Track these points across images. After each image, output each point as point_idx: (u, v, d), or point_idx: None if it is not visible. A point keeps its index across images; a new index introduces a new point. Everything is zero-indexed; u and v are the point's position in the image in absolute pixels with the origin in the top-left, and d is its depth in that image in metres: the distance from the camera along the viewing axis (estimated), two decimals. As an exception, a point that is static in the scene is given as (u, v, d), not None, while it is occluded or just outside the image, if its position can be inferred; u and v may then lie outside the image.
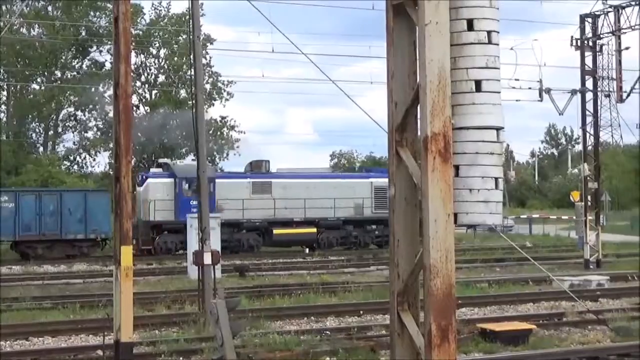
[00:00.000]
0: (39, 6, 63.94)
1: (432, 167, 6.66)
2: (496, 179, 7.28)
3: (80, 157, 66.59)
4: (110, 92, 42.86)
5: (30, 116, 64.01)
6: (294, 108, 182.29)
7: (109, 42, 51.38)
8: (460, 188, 7.20)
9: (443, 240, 6.70)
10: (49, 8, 64.41)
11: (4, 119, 64.64)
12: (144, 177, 45.61)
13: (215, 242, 26.82)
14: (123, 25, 13.44)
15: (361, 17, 70.81)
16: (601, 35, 37.60)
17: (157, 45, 66.53)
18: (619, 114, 42.83)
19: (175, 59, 64.86)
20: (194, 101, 20.58)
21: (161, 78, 67.39)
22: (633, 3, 36.07)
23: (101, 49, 64.85)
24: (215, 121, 65.25)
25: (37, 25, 63.53)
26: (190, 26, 21.10)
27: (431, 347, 6.66)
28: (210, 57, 65.26)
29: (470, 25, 7.23)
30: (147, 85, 66.87)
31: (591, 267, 35.86)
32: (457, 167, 7.19)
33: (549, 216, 75.19)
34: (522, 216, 77.31)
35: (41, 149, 66.29)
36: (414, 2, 6.99)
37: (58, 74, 65.11)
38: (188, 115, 31.80)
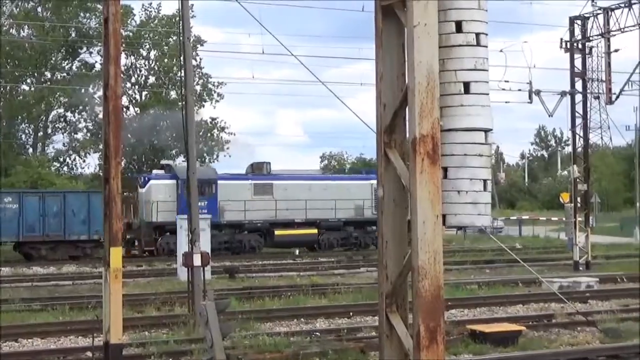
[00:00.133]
0: (29, 7, 63.76)
1: (420, 168, 6.67)
2: (484, 180, 7.30)
3: (70, 159, 66.44)
4: (100, 93, 42.85)
5: (19, 117, 63.80)
6: (284, 109, 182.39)
7: (99, 44, 51.29)
8: (449, 190, 7.22)
9: (431, 242, 6.71)
10: (39, 9, 64.26)
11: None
12: (146, 178, 45.83)
13: (205, 243, 26.76)
14: (113, 27, 13.42)
15: (351, 18, 70.96)
16: (590, 38, 37.70)
17: (148, 46, 66.46)
18: (609, 116, 43.01)
19: (166, 60, 64.78)
20: (184, 102, 20.55)
21: (151, 79, 67.32)
22: (622, 5, 36.17)
23: (91, 50, 64.80)
24: (206, 122, 65.21)
25: (26, 26, 63.37)
26: (180, 27, 21.05)
27: (420, 349, 6.67)
28: (201, 59, 65.33)
29: (458, 27, 7.25)
30: (137, 87, 66.80)
31: (580, 268, 35.94)
32: (445, 169, 7.20)
33: (539, 218, 75.36)
34: (512, 218, 77.50)
35: (31, 150, 66.09)
36: (403, 3, 7.01)
37: (48, 75, 64.94)
38: (178, 117, 31.80)
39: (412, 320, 6.98)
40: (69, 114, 66.27)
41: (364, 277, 31.86)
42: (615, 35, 37.48)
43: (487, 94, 7.38)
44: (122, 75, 48.08)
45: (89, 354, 16.23)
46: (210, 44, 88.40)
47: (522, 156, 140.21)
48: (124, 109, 62.57)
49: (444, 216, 7.10)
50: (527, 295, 25.54)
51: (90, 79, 62.20)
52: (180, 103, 20.68)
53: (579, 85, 37.92)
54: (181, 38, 20.98)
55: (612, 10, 36.71)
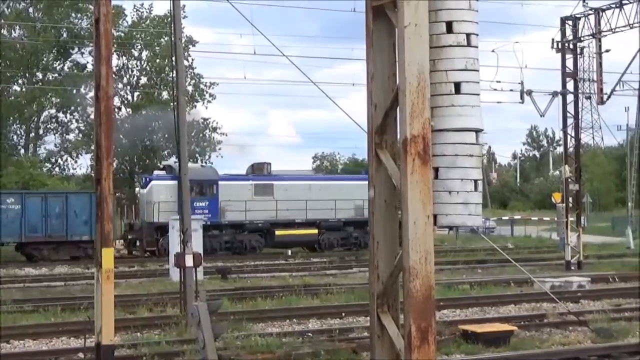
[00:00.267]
0: (20, 8, 63.63)
1: (411, 169, 6.68)
2: (475, 180, 7.31)
3: (61, 159, 66.34)
4: (92, 94, 42.92)
5: (11, 118, 63.66)
6: (277, 110, 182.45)
7: (91, 44, 51.23)
8: (440, 190, 7.23)
9: (422, 242, 6.71)
10: (30, 9, 64.13)
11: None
12: (147, 179, 46.00)
13: (197, 244, 26.76)
14: (104, 27, 13.40)
15: (343, 19, 71.07)
16: (582, 38, 37.77)
17: (139, 47, 66.38)
18: (600, 116, 43.17)
19: (158, 60, 64.72)
20: (175, 103, 20.54)
21: (143, 80, 67.26)
22: (613, 6, 36.25)
23: (83, 50, 64.67)
24: (198, 123, 65.16)
25: (18, 27, 63.23)
26: (172, 28, 21.04)
27: (411, 349, 6.67)
28: (193, 59, 65.26)
29: (449, 28, 7.26)
30: (129, 87, 66.71)
31: (572, 268, 35.99)
32: (436, 169, 7.21)
33: (531, 217, 75.46)
34: (504, 218, 77.57)
35: (22, 151, 65.94)
36: (394, 4, 7.01)
37: (39, 75, 64.80)
38: (170, 117, 31.83)
39: (403, 320, 6.98)
40: (60, 114, 66.20)
41: (357, 278, 31.86)
42: (606, 35, 37.58)
43: (478, 94, 7.39)
44: (113, 75, 48.05)
45: (81, 355, 16.21)
46: (202, 44, 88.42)
47: (514, 156, 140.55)
48: (116, 110, 62.50)
49: (435, 216, 7.11)
50: (519, 295, 25.58)
51: (82, 80, 62.09)
52: (172, 104, 20.71)
53: (570, 86, 37.99)
54: (173, 38, 20.99)
55: (603, 10, 36.79)
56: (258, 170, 48.44)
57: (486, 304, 23.99)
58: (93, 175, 15.13)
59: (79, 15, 63.91)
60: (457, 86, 7.24)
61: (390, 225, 7.41)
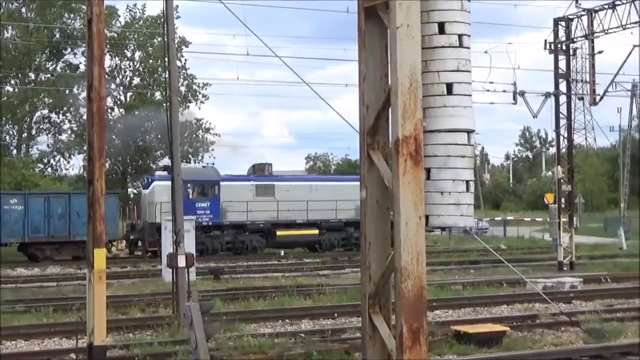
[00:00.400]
0: (13, 8, 63.49)
1: (403, 169, 6.68)
2: (467, 181, 7.32)
3: (54, 160, 66.24)
4: (85, 94, 42.94)
5: (3, 118, 63.54)
6: (269, 110, 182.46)
7: (84, 44, 51.17)
8: (432, 191, 7.23)
9: (414, 243, 6.72)
10: (23, 10, 63.99)
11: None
12: (149, 179, 46.17)
13: (189, 244, 26.76)
14: (96, 27, 13.38)
15: (336, 19, 71.05)
16: (574, 39, 37.84)
17: (132, 47, 66.31)
18: (593, 117, 43.32)
19: (150, 61, 64.68)
20: (168, 104, 20.53)
21: (136, 80, 67.20)
22: (606, 7, 36.32)
23: (76, 51, 64.59)
24: (191, 123, 65.12)
25: (10, 27, 63.09)
26: (165, 28, 21.03)
27: (402, 349, 6.67)
28: (186, 60, 65.19)
29: (441, 29, 7.26)
30: (122, 88, 66.64)
31: (564, 269, 36.06)
32: (428, 170, 7.21)
33: (524, 218, 75.59)
34: (496, 218, 77.71)
35: (15, 151, 65.80)
36: (386, 5, 7.01)
37: (32, 76, 64.68)
38: (163, 118, 31.88)
39: (395, 321, 6.98)
40: (53, 115, 66.10)
41: (349, 278, 31.87)
42: (599, 36, 37.66)
43: (470, 95, 7.40)
44: (106, 76, 47.97)
45: (73, 355, 16.18)
46: (195, 44, 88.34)
47: (507, 157, 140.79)
48: (109, 110, 62.43)
49: (426, 217, 7.11)
50: (512, 296, 25.61)
51: (75, 80, 62.01)
52: (165, 104, 20.71)
53: (563, 87, 38.07)
54: (166, 39, 20.98)
55: (596, 11, 36.86)
56: (259, 170, 48.80)
57: (479, 304, 24.01)
58: (85, 175, 15.07)
59: (71, 15, 63.82)
60: (449, 87, 7.24)
61: (382, 226, 7.42)
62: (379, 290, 7.38)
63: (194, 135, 66.17)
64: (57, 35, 63.52)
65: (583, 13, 37.24)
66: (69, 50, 65.12)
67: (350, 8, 35.63)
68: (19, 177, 55.13)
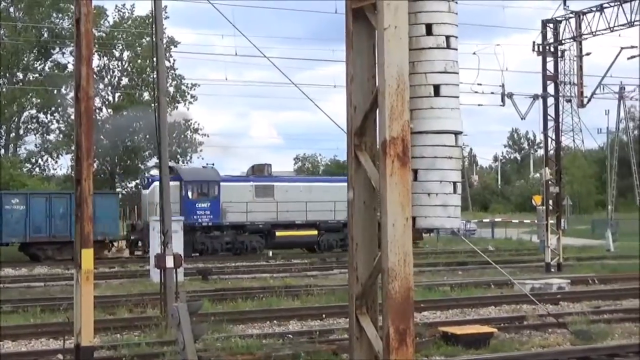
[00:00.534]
0: (0, 7, 63.33)
1: (390, 171, 6.69)
2: (454, 183, 7.33)
3: (42, 160, 66.11)
4: (73, 94, 42.85)
5: (-9, 118, 63.40)
6: (258, 111, 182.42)
7: (72, 44, 51.07)
8: (419, 192, 7.24)
9: (401, 244, 6.72)
10: (11, 9, 63.83)
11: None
12: (150, 180, 46.29)
13: (177, 245, 26.72)
14: (84, 27, 13.33)
15: (325, 20, 71.14)
16: (563, 41, 37.93)
17: (121, 47, 66.20)
18: (580, 119, 43.48)
19: (139, 61, 64.57)
20: (156, 104, 20.50)
21: (124, 80, 67.08)
22: (594, 9, 36.43)
23: (64, 50, 64.46)
24: (179, 124, 65.06)
25: (-2, 27, 62.95)
26: (153, 28, 21.00)
27: (389, 351, 6.68)
28: (174, 60, 65.15)
29: (429, 30, 7.27)
30: (110, 88, 66.51)
31: (552, 270, 36.11)
32: (415, 171, 7.22)
33: (512, 220, 75.74)
34: (484, 220, 77.82)
35: (2, 151, 65.62)
36: (374, 6, 7.02)
37: (20, 75, 64.51)
38: (151, 118, 31.88)
39: (382, 322, 6.98)
40: (41, 115, 65.92)
41: (337, 279, 31.86)
42: (587, 38, 37.79)
43: (457, 97, 7.41)
44: (94, 76, 47.77)
45: (60, 356, 16.14)
46: (184, 45, 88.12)
47: (495, 159, 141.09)
48: (97, 110, 62.33)
49: (414, 218, 7.12)
50: (499, 297, 25.64)
51: (63, 80, 61.87)
52: (153, 104, 20.67)
53: (551, 89, 38.13)
54: (154, 39, 20.94)
55: (584, 14, 36.96)
56: (258, 171, 49.08)
57: (466, 305, 24.03)
58: (73, 175, 15.03)
59: (60, 15, 63.67)
60: (437, 88, 7.25)
61: (369, 227, 7.42)
62: (366, 292, 7.38)
63: (182, 136, 66.10)
64: (46, 35, 63.39)
65: (571, 15, 37.34)
66: (57, 49, 65.01)
67: (338, 9, 35.63)
68: (7, 177, 54.95)
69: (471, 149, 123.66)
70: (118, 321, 20.62)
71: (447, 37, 7.29)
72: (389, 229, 6.69)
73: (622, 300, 25.74)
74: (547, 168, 38.07)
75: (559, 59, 38.22)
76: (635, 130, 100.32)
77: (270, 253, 46.20)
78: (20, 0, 62.35)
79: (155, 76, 21.28)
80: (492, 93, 39.86)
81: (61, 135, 65.39)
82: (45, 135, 66.55)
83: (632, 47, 43.22)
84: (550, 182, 37.86)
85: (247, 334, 18.88)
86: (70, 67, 61.45)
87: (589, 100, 40.15)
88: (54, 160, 66.01)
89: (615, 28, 35.82)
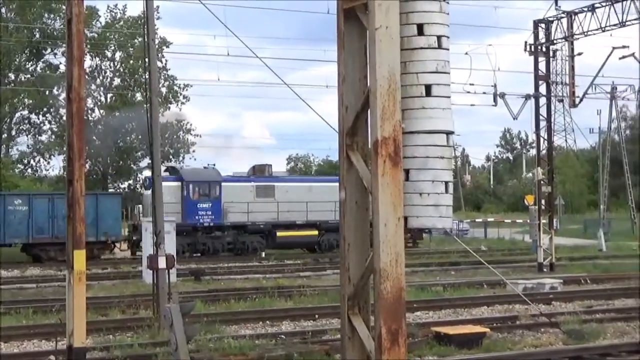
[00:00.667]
0: (-8, 8, 63.26)
1: (382, 171, 6.68)
2: (446, 182, 7.33)
3: (34, 161, 65.98)
4: (65, 95, 42.78)
5: (-17, 119, 63.26)
6: (250, 112, 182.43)
7: (64, 45, 50.93)
8: (411, 192, 7.24)
9: (393, 244, 6.72)
10: (2, 10, 63.68)
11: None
12: (151, 180, 46.35)
13: (170, 246, 26.68)
14: (76, 28, 13.30)
15: (317, 20, 71.17)
16: (554, 41, 37.98)
17: (113, 48, 66.11)
18: (572, 119, 43.57)
19: (131, 62, 64.48)
20: (148, 105, 20.47)
21: (117, 81, 66.98)
22: (585, 9, 36.49)
23: (56, 51, 64.31)
24: (172, 124, 65.01)
25: (-10, 27, 62.79)
26: (145, 29, 20.96)
27: (381, 351, 6.68)
28: (166, 61, 65.08)
29: (420, 30, 7.27)
30: (102, 89, 66.40)
31: (544, 270, 36.16)
32: (407, 171, 7.22)
33: (504, 220, 75.80)
34: (477, 220, 77.86)
35: (-6, 152, 65.51)
36: (365, 6, 7.02)
37: (12, 76, 64.35)
38: (144, 119, 31.89)
39: (374, 322, 6.98)
40: (33, 116, 65.79)
41: (330, 280, 31.85)
42: (578, 38, 37.86)
43: (449, 97, 7.41)
44: (86, 77, 47.64)
45: (52, 357, 16.11)
46: (176, 45, 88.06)
47: (488, 158, 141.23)
48: (89, 111, 62.26)
49: (405, 218, 7.12)
50: (492, 297, 25.66)
51: (55, 81, 61.76)
52: (145, 105, 20.60)
53: (543, 89, 38.19)
54: (146, 39, 20.90)
55: (576, 14, 37.02)
56: (259, 172, 49.21)
57: (459, 305, 24.05)
58: (65, 176, 15.01)
59: (51, 15, 63.55)
60: (428, 88, 7.26)
61: (361, 227, 7.42)
62: (358, 292, 7.38)
63: (175, 136, 66.06)
64: (37, 36, 63.25)
65: (563, 15, 37.39)
66: (49, 50, 64.86)
67: (330, 9, 35.66)
68: (-1, 178, 54.91)
69: (464, 149, 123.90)
70: (111, 322, 20.59)
71: (439, 37, 7.29)
72: (380, 229, 6.69)
73: (614, 299, 25.81)
74: (540, 168, 38.11)
75: (550, 59, 38.28)
76: (627, 130, 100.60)
77: (263, 254, 46.19)
78: (11, 0, 62.20)
79: (147, 77, 21.25)
80: (485, 93, 39.95)
81: (53, 136, 65.29)
82: (37, 136, 66.47)
83: (624, 47, 43.39)
84: (542, 182, 37.90)
85: (239, 334, 18.87)
86: (62, 68, 61.33)
87: (581, 100, 40.26)
88: (46, 161, 65.99)
89: (606, 28, 35.89)
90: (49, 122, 65.69)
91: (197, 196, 45.53)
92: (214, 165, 49.83)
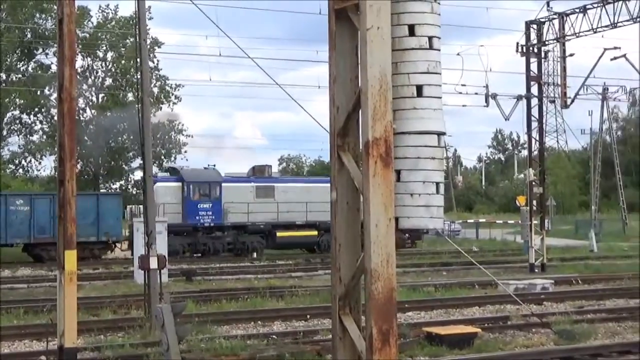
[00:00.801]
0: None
1: (373, 171, 6.68)
2: (437, 183, 7.34)
3: (25, 161, 65.78)
4: (56, 95, 42.72)
5: (-26, 119, 63.04)
6: (242, 112, 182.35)
7: (55, 45, 50.84)
8: (402, 193, 7.25)
9: (384, 245, 6.72)
10: (-6, 10, 63.52)
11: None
12: (153, 180, 46.40)
13: (161, 246, 26.66)
14: (67, 27, 13.28)
15: (309, 21, 71.18)
16: (546, 42, 38.05)
17: (104, 48, 65.98)
18: (564, 120, 43.70)
19: (123, 62, 64.37)
20: (140, 105, 20.44)
21: (108, 81, 66.85)
22: (577, 10, 36.56)
23: (47, 51, 64.13)
24: (163, 125, 64.91)
25: (-19, 27, 62.59)
26: (137, 29, 20.94)
27: (372, 351, 6.68)
28: (158, 61, 64.97)
29: (411, 31, 7.28)
30: (94, 89, 66.26)
31: (536, 270, 36.21)
32: (398, 172, 7.23)
33: (496, 221, 75.90)
34: (469, 221, 77.94)
35: (-15, 152, 65.29)
36: (356, 7, 7.02)
37: (3, 76, 64.16)
38: (135, 119, 31.87)
39: (365, 322, 6.99)
40: (24, 116, 65.58)
41: (322, 280, 31.85)
42: (570, 40, 37.94)
43: (440, 98, 7.43)
44: (78, 77, 47.51)
45: (43, 358, 16.08)
46: (168, 45, 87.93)
47: (480, 159, 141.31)
48: (81, 111, 62.12)
49: (396, 219, 7.11)
50: (483, 298, 25.70)
51: (46, 81, 61.62)
52: (137, 105, 20.53)
53: (535, 89, 38.25)
54: (137, 39, 20.88)
55: (567, 15, 37.09)
56: (259, 172, 49.55)
57: (451, 306, 24.08)
58: (57, 176, 15.00)
59: (43, 15, 63.38)
60: (419, 89, 7.27)
61: (352, 227, 7.42)
62: (349, 292, 7.38)
63: (166, 137, 65.97)
64: (29, 36, 63.08)
65: (554, 16, 37.46)
66: (40, 50, 64.69)
67: (322, 10, 35.67)
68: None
69: (455, 150, 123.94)
70: (102, 322, 20.57)
71: (430, 38, 7.30)
72: (372, 229, 6.69)
73: (606, 300, 25.87)
74: (531, 169, 38.18)
75: (542, 60, 38.36)
76: (618, 131, 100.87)
77: (255, 254, 46.22)
78: (3, 0, 61.99)
79: (139, 77, 21.23)
80: (476, 94, 40.09)
81: (44, 137, 65.09)
82: (28, 136, 66.23)
83: (615, 48, 43.55)
84: (534, 183, 37.96)
85: (231, 334, 18.87)
86: (54, 68, 61.13)
87: (573, 101, 40.39)
88: (37, 161, 65.74)
89: (598, 29, 35.97)
90: (41, 122, 65.50)
91: (198, 196, 45.76)
92: (214, 165, 50.03)
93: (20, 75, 64.59)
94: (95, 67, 66.25)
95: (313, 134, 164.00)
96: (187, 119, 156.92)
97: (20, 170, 65.28)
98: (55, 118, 49.85)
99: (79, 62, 61.13)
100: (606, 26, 35.61)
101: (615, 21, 35.03)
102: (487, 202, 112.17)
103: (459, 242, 50.02)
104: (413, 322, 20.26)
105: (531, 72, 37.99)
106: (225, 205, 46.11)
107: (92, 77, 66.23)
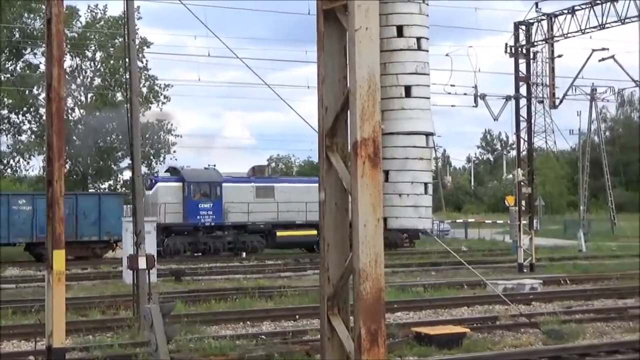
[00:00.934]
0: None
1: (361, 172, 6.69)
2: (425, 184, 7.36)
3: (14, 161, 65.53)
4: (44, 94, 42.62)
5: (-38, 119, 62.80)
6: (231, 112, 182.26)
7: (44, 44, 50.74)
8: (390, 193, 7.26)
9: (373, 245, 6.72)
10: (-19, 10, 63.28)
11: None
12: (153, 181, 46.86)
13: (150, 246, 26.63)
14: (56, 27, 13.27)
15: (298, 21, 71.26)
16: (535, 43, 38.15)
17: (93, 48, 65.81)
18: (553, 120, 43.86)
19: (112, 62, 64.22)
20: (129, 105, 20.42)
21: (97, 81, 66.68)
22: (565, 11, 36.66)
23: (35, 51, 63.91)
24: (152, 124, 64.77)
25: (-31, 27, 62.37)
26: (126, 29, 20.93)
27: (361, 351, 6.68)
28: (147, 61, 64.80)
29: (400, 32, 7.30)
30: (82, 88, 66.07)
31: (525, 270, 36.30)
32: (386, 172, 7.25)
33: (485, 220, 76.04)
34: (458, 221, 78.06)
35: (-27, 152, 65.04)
36: (345, 7, 7.02)
37: (-9, 76, 63.98)
38: (124, 119, 31.85)
39: (353, 322, 6.99)
40: (13, 115, 65.35)
41: (311, 280, 31.87)
42: (558, 40, 38.03)
43: (428, 98, 7.44)
44: (66, 77, 47.41)
45: (32, 358, 16.05)
46: (157, 45, 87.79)
47: (469, 159, 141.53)
48: (69, 111, 61.95)
49: (385, 219, 7.13)
50: (472, 298, 25.76)
51: (35, 80, 61.45)
52: (125, 105, 20.48)
53: (523, 90, 38.34)
54: (126, 39, 20.86)
55: (556, 16, 37.19)
56: (259, 172, 50.07)
57: (439, 306, 24.11)
58: (45, 176, 14.99)
59: (31, 15, 63.18)
60: (408, 90, 7.28)
61: (341, 228, 7.43)
62: (337, 292, 7.39)
63: (155, 137, 65.83)
64: (17, 35, 62.87)
65: (543, 17, 37.55)
66: (28, 50, 64.48)
67: (311, 10, 35.65)
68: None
69: (444, 150, 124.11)
70: (90, 323, 20.54)
71: (418, 39, 7.32)
72: (360, 230, 6.69)
73: (594, 300, 25.95)
74: (520, 169, 38.26)
75: (531, 60, 38.46)
76: (606, 132, 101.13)
77: (244, 254, 46.27)
78: (-9, 0, 61.80)
79: (128, 77, 21.21)
80: (465, 94, 40.11)
81: (33, 136, 64.87)
82: (17, 136, 65.96)
83: (603, 49, 43.70)
84: (522, 183, 38.05)
85: (220, 335, 18.87)
86: (42, 68, 60.91)
87: (561, 101, 40.49)
88: (25, 161, 65.44)
89: (586, 30, 36.07)
90: (29, 122, 65.23)
91: (199, 196, 46.01)
92: (215, 166, 50.14)
93: (8, 75, 64.38)
94: (84, 67, 66.05)
95: (302, 134, 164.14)
96: (177, 119, 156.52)
97: (9, 170, 65.05)
98: (44, 118, 49.83)
99: (68, 62, 61.00)
100: (594, 27, 35.74)
101: (604, 22, 35.15)
102: (476, 202, 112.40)
103: (448, 242, 50.13)
104: (402, 322, 20.28)
105: (520, 73, 38.08)
106: (225, 205, 46.44)
107: (81, 77, 66.04)
